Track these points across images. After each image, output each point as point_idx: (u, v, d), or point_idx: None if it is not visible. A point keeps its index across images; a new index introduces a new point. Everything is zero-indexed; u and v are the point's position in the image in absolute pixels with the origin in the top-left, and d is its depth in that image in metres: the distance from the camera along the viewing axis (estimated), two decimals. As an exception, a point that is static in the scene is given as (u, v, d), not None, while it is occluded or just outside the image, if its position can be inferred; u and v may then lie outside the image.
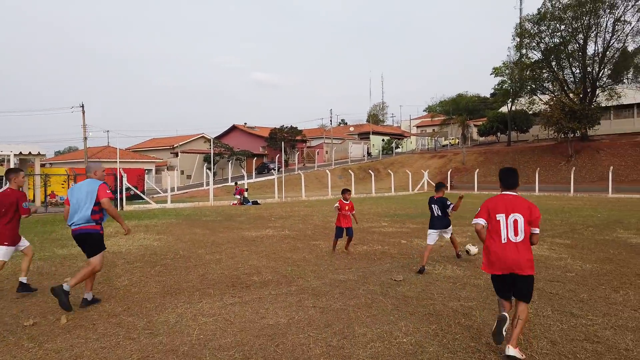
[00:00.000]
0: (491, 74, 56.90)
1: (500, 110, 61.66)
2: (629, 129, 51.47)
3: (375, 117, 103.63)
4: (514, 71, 50.46)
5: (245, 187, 28.62)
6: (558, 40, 46.45)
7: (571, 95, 45.55)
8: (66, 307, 5.24)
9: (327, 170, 38.80)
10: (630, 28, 42.47)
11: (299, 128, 61.26)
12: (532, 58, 49.44)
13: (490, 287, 6.33)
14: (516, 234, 4.06)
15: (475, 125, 68.17)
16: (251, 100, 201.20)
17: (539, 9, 46.55)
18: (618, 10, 42.56)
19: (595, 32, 44.66)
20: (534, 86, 49.41)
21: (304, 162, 61.33)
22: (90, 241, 5.55)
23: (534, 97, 49.49)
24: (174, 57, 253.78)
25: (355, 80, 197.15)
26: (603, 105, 46.30)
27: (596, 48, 45.24)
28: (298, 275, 7.25)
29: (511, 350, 3.87)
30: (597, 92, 45.89)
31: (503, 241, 4.08)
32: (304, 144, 64.41)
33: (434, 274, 7.23)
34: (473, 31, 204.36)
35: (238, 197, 25.62)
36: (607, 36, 44.10)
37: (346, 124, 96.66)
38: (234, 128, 66.40)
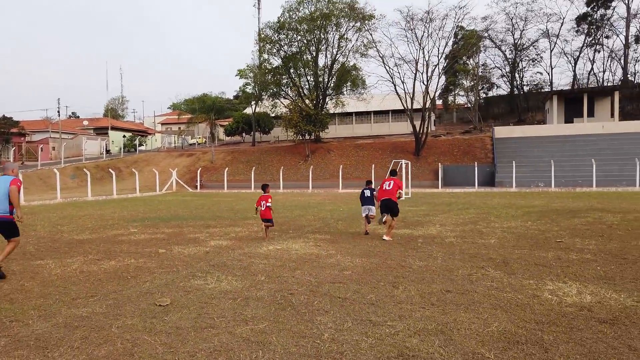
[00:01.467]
0: (236, 75, 58.38)
1: (245, 111, 63.92)
2: (349, 134, 60.07)
3: (114, 112, 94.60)
4: (257, 75, 52.78)
5: None
6: (296, 50, 50.60)
7: (307, 101, 50.27)
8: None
9: (54, 169, 32.67)
10: (351, 45, 49.36)
11: (14, 119, 50.48)
12: (273, 64, 52.64)
13: (275, 300, 5.45)
14: (388, 187, 10.20)
15: (221, 125, 68.97)
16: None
17: (279, 18, 49.78)
18: (342, 29, 48.97)
19: (325, 46, 50.36)
20: (275, 90, 52.66)
21: (22, 159, 50.90)
22: (7, 226, 7.09)
23: (276, 100, 52.79)
24: None
25: (90, 70, 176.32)
26: (331, 112, 52.70)
27: (326, 60, 51.10)
28: (12, 316, 4.95)
29: (385, 237, 9.90)
30: (326, 99, 51.90)
31: (383, 189, 10.27)
32: (23, 138, 53.53)
33: (208, 290, 5.96)
34: (219, 32, 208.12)
35: None
36: (334, 51, 50.28)
37: (78, 117, 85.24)
38: None
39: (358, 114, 60.08)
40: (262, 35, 51.26)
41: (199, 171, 43.23)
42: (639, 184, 31.34)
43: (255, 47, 54.56)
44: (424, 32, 43.92)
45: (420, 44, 43.90)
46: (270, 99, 53.65)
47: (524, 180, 35.43)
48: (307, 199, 25.87)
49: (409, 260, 7.67)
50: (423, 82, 44.21)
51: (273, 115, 55.19)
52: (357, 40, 49.02)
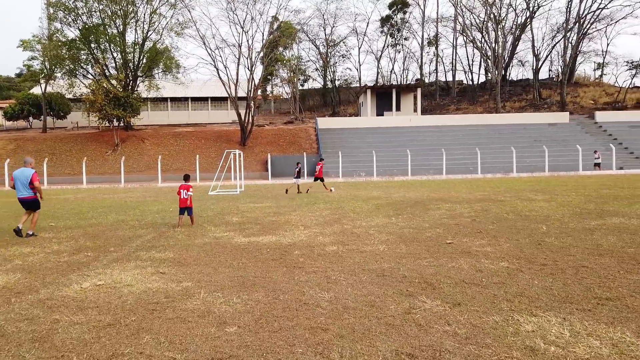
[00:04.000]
0: (18, 47, 47.88)
1: (32, 91, 53.08)
2: (165, 121, 54.84)
3: None
4: (47, 47, 43.81)
5: None
6: (98, 21, 43.44)
7: (114, 81, 43.69)
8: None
9: None
10: (166, 22, 44.44)
11: None
12: (69, 35, 44.44)
13: None
14: (317, 170, 21.14)
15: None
16: None
17: (75, -19, 42.00)
18: (154, 3, 43.68)
19: (134, 20, 44.35)
20: (72, 67, 44.55)
21: None
22: (32, 203, 10.18)
23: (74, 79, 44.73)
24: None
25: None
26: (144, 95, 46.95)
27: (136, 37, 45.14)
28: None
29: (332, 189, 21.49)
30: (138, 81, 45.99)
31: (316, 171, 21.14)
32: None
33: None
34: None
35: None
36: (145, 26, 44.69)
37: None
38: None
39: (174, 99, 55.23)
40: (50, 1, 42.63)
41: (-34, 164, 33.73)
42: (445, 172, 34.75)
43: (44, 14, 45.34)
44: (246, 14, 41.88)
45: (243, 27, 41.70)
46: (66, 77, 45.26)
47: (348, 171, 36.35)
48: (122, 197, 21.55)
49: (307, 290, 5.47)
50: (248, 68, 42.21)
51: (70, 96, 46.76)
52: (172, 17, 44.42)
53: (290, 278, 6.06)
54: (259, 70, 46.36)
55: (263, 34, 42.91)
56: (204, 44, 41.80)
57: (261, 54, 44.96)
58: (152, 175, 34.60)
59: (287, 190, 20.51)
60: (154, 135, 43.78)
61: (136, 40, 45.15)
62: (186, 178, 11.76)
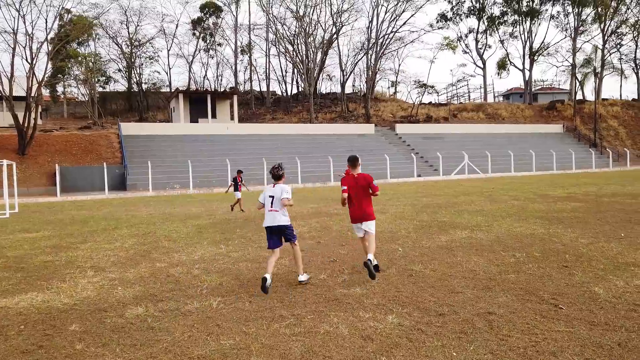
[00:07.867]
0: None
1: None
2: None
3: None
4: None
5: None
6: None
7: None
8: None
9: None
10: None
11: None
12: None
13: None
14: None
15: None
16: None
17: None
18: None
19: None
20: None
21: None
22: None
23: None
24: None
25: None
26: None
27: None
28: None
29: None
30: None
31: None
32: None
33: None
34: None
35: None
36: None
37: None
38: None
39: None
40: None
41: None
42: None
43: None
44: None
45: (18, 10, 33.95)
46: None
47: (160, 183, 32.23)
48: None
49: None
50: (27, 61, 34.50)
51: None
52: None
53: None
54: (42, 65, 38.60)
55: (47, 21, 35.70)
56: (-37, 25, 32.72)
57: (45, 46, 37.45)
58: None
59: (232, 208, 15.73)
60: None
61: None
62: None
